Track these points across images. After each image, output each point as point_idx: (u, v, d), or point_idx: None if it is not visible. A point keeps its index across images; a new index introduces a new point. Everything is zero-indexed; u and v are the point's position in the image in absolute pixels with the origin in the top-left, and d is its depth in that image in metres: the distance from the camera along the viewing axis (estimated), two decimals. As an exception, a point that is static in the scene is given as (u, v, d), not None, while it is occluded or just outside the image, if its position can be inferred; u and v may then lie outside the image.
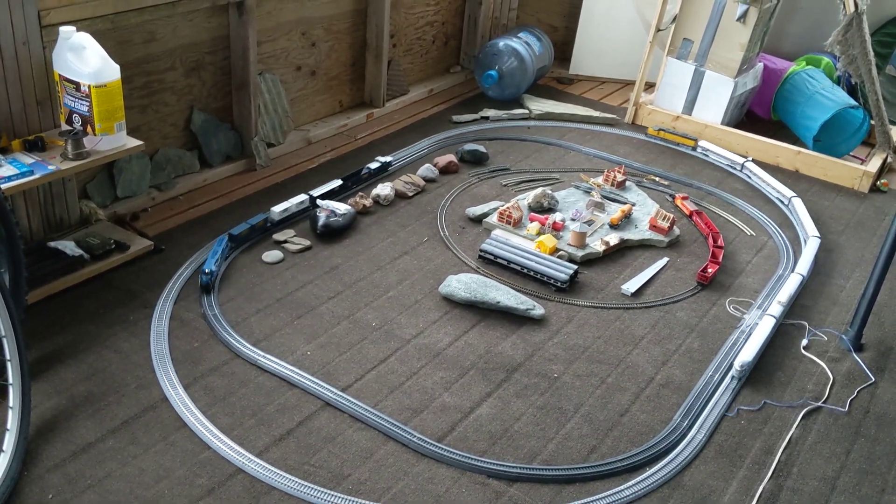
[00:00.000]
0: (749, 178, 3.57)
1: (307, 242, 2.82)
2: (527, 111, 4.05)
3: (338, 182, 3.11)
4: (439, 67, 4.41)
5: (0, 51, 2.25)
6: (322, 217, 2.88)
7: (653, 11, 3.95)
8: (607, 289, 2.72)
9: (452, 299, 2.56)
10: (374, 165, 3.28)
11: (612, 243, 2.90)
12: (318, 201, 2.98)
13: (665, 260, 2.90)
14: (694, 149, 3.81)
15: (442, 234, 2.96)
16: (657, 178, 3.49)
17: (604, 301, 2.65)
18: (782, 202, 3.38)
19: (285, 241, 2.81)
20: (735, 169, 3.64)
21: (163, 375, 2.14)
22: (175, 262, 2.63)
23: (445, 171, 3.42)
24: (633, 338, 2.49)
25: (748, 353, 2.38)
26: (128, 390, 2.09)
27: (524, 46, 4.12)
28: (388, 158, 3.35)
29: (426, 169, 3.37)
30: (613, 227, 3.03)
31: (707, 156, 3.77)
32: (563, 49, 4.63)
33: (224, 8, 2.99)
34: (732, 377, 2.35)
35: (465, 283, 2.57)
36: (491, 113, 4.00)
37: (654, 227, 3.02)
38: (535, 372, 2.30)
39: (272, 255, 2.73)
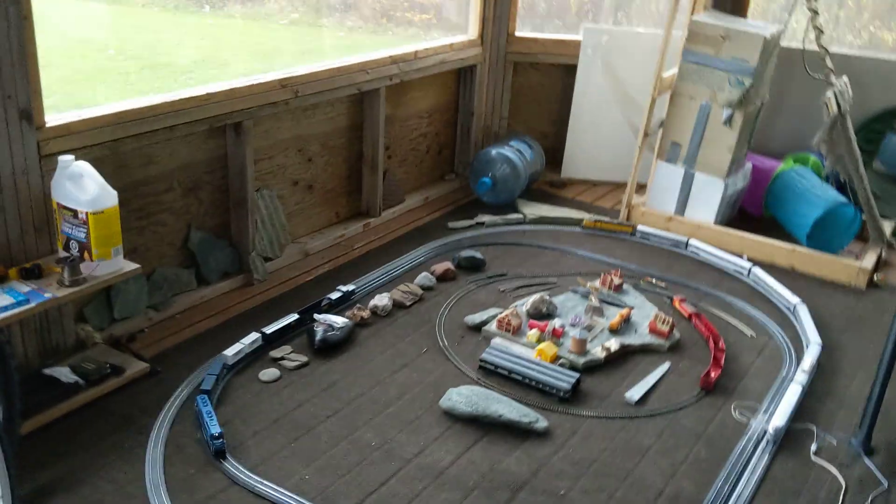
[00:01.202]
0: (696, 254, 3.78)
1: (304, 358, 2.79)
2: (521, 216, 4.10)
3: (294, 317, 2.95)
4: (434, 176, 4.48)
5: (0, 184, 2.29)
6: (319, 332, 2.87)
7: (640, 117, 4.05)
8: (611, 397, 2.68)
9: (453, 413, 2.52)
10: (334, 296, 3.12)
11: (612, 349, 2.88)
12: (315, 315, 2.97)
13: (667, 365, 2.87)
14: (633, 234, 3.97)
15: (441, 344, 2.94)
16: (654, 280, 3.50)
17: (608, 411, 2.61)
18: (741, 273, 3.59)
19: (282, 359, 2.79)
20: (680, 249, 3.84)
21: (157, 506, 2.08)
22: (171, 385, 2.60)
23: (443, 278, 3.43)
24: (640, 448, 2.44)
25: (780, 417, 2.50)
26: (121, 524, 2.03)
27: (515, 153, 4.21)
28: (350, 287, 3.18)
29: (423, 277, 3.38)
30: (613, 332, 3.01)
31: (648, 240, 3.93)
32: (553, 154, 4.72)
33: (221, 129, 3.05)
34: (767, 441, 2.45)
35: (466, 396, 2.53)
36: (486, 218, 4.04)
37: (654, 330, 3.01)
38: (540, 490, 2.24)
39: (268, 374, 2.70)
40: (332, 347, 2.85)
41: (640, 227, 3.95)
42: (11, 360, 2.04)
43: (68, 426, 2.38)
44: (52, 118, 2.43)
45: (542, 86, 4.75)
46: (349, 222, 3.89)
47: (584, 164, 4.71)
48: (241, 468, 2.23)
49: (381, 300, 3.15)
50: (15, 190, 2.33)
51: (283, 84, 3.19)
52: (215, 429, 2.31)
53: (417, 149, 4.28)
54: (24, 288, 2.29)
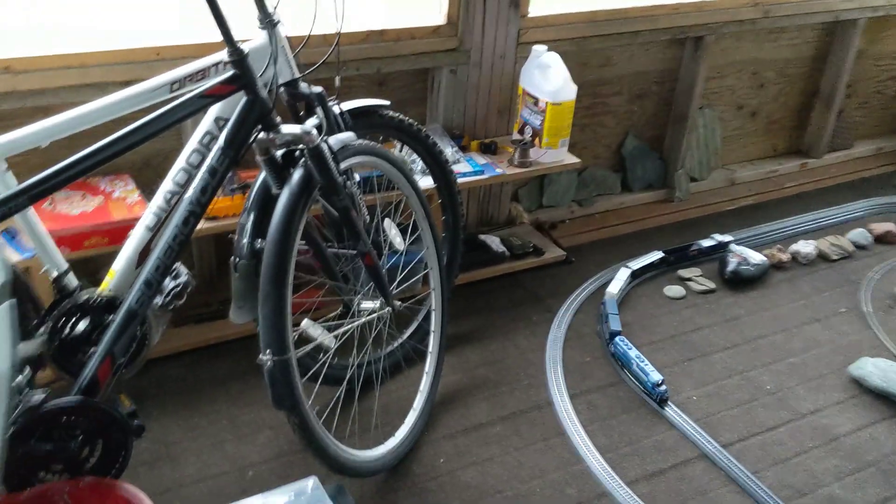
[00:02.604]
0: None
1: (712, 285, 2.76)
2: None
3: (659, 254, 2.80)
4: (894, 125, 3.98)
5: (481, 62, 2.55)
6: (732, 263, 2.80)
7: None
8: None
9: (863, 383, 2.32)
10: (707, 243, 2.89)
11: None
12: (732, 246, 2.89)
13: None
14: None
15: (863, 308, 2.69)
16: None
17: None
18: None
19: (690, 279, 2.79)
20: None
21: (553, 380, 2.27)
22: (581, 276, 2.76)
23: (881, 240, 3.10)
24: None
25: None
26: (520, 385, 2.26)
27: None
28: (726, 238, 2.92)
29: (858, 234, 3.09)
30: None
31: None
32: None
33: (681, 42, 3.03)
34: None
35: (883, 370, 2.31)
36: (949, 185, 3.52)
37: None
38: (950, 493, 2.00)
39: (674, 291, 2.72)
40: (742, 281, 2.78)
41: None
42: (461, 220, 2.33)
43: (487, 289, 2.67)
44: (534, 9, 2.61)
45: None
46: (786, 158, 3.66)
47: None
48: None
49: (805, 247, 2.96)
50: (491, 71, 2.59)
51: (756, 2, 3.03)
52: (656, 376, 2.22)
53: (883, 92, 3.82)
54: (481, 160, 2.56)
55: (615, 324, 2.44)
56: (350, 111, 1.88)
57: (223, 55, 1.58)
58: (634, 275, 2.75)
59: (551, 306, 2.61)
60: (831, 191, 3.50)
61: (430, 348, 2.14)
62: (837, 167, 3.70)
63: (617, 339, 2.38)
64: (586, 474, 1.96)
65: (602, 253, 2.91)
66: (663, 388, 2.20)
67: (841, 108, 3.63)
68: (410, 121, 2.08)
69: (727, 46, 3.18)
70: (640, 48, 2.96)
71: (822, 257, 2.97)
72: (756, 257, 2.82)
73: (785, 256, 2.92)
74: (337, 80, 1.79)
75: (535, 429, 2.10)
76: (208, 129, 1.61)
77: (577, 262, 2.85)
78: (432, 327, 2.15)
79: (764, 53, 3.31)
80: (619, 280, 2.68)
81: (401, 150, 2.28)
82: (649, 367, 2.25)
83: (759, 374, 2.37)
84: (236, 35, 1.55)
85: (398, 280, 2.07)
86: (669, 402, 2.20)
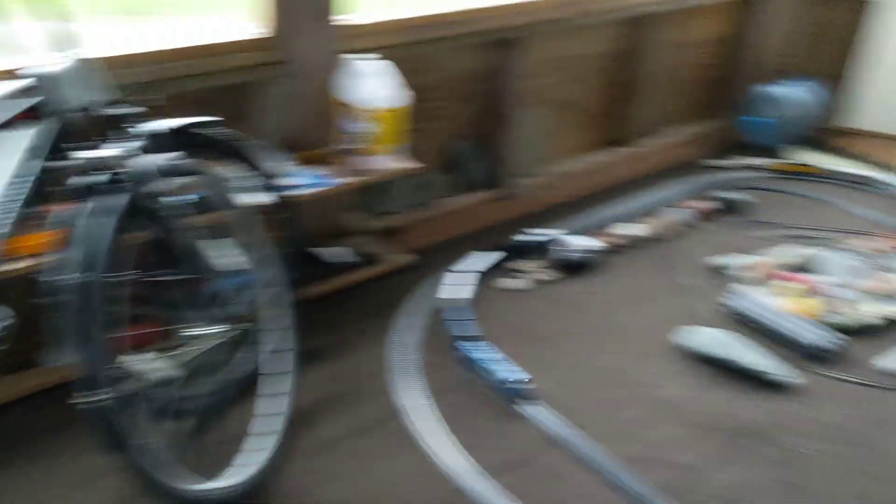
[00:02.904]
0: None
1: (550, 275, 2.87)
2: (792, 162, 3.85)
3: (501, 254, 2.94)
4: (700, 110, 4.28)
5: (303, 74, 2.53)
6: (567, 251, 2.92)
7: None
8: (865, 363, 2.50)
9: (690, 352, 2.49)
10: (530, 239, 3.03)
11: (887, 315, 2.66)
12: (563, 236, 3.02)
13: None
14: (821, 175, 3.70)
15: (687, 282, 2.89)
16: (938, 250, 3.15)
17: (861, 377, 2.44)
18: None
19: (528, 272, 2.89)
20: None
21: (404, 385, 2.28)
22: (427, 279, 2.80)
23: (699, 217, 3.34)
24: (893, 423, 2.27)
25: None
26: (371, 395, 2.25)
27: (795, 95, 3.92)
28: (551, 233, 3.06)
29: (677, 213, 3.32)
30: (884, 297, 2.78)
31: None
32: (843, 100, 4.32)
33: (498, 43, 3.12)
34: None
35: (707, 337, 2.49)
36: (751, 161, 3.84)
37: (929, 303, 2.74)
38: (774, 442, 2.17)
39: (513, 284, 2.81)
40: (579, 268, 2.91)
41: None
42: (296, 234, 2.29)
43: (336, 301, 2.66)
44: (347, 17, 2.61)
45: (837, 23, 4.32)
46: (607, 148, 3.85)
47: (879, 114, 4.25)
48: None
49: (632, 230, 3.15)
50: (314, 82, 2.57)
51: (562, 2, 3.18)
52: (510, 374, 2.27)
53: (687, 80, 4.10)
54: (314, 172, 2.53)
55: (458, 328, 2.49)
56: (173, 130, 1.80)
57: (22, 82, 1.48)
58: (479, 275, 2.82)
59: (400, 312, 2.62)
60: (655, 176, 3.73)
61: (280, 368, 2.09)
62: (654, 153, 3.94)
63: (462, 343, 2.41)
64: (447, 474, 1.98)
65: (445, 254, 2.96)
66: (518, 385, 2.25)
67: (650, 98, 3.87)
68: (237, 136, 2.02)
69: (542, 45, 3.30)
70: (461, 51, 3.03)
71: (651, 238, 3.16)
72: (589, 244, 2.96)
73: (617, 240, 3.08)
74: (157, 99, 1.72)
75: (393, 437, 2.10)
76: (15, 159, 1.50)
77: (421, 265, 2.88)
78: (280, 347, 2.10)
79: (577, 50, 3.47)
80: (452, 285, 2.74)
81: (229, 168, 2.21)
82: (502, 366, 2.29)
83: (599, 355, 2.48)
84: (36, 60, 1.46)
85: (235, 302, 2.01)
86: (522, 395, 2.26)
